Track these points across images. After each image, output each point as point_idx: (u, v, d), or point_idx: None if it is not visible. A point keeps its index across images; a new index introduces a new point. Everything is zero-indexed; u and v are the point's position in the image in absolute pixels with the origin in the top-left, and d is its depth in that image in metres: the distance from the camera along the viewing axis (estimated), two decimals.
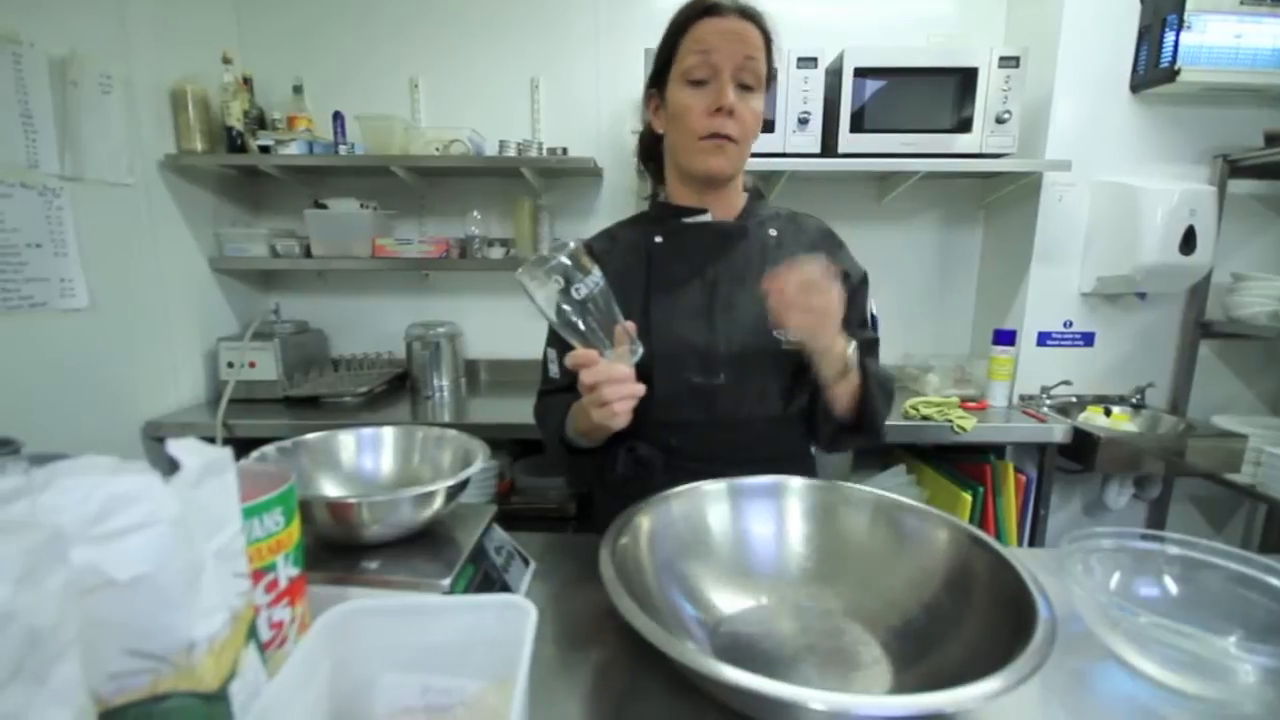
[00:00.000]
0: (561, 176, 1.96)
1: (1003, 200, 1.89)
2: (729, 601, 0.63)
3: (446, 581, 0.56)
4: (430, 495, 0.59)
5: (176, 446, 0.34)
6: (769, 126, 1.64)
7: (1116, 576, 0.65)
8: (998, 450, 1.76)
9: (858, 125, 1.64)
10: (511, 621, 0.44)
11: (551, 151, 1.78)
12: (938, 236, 2.02)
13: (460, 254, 1.90)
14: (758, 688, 0.39)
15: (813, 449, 0.95)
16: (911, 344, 2.04)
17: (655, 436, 0.84)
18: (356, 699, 0.43)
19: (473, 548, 0.63)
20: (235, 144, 1.73)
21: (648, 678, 0.54)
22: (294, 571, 0.46)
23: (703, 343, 0.82)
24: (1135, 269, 1.65)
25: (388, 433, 0.75)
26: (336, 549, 0.60)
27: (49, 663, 0.27)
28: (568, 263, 0.63)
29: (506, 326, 2.07)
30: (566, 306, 0.64)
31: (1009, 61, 1.60)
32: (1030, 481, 1.69)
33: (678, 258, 0.86)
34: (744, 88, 0.78)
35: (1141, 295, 1.81)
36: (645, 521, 0.63)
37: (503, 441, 1.68)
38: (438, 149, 1.74)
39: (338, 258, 1.84)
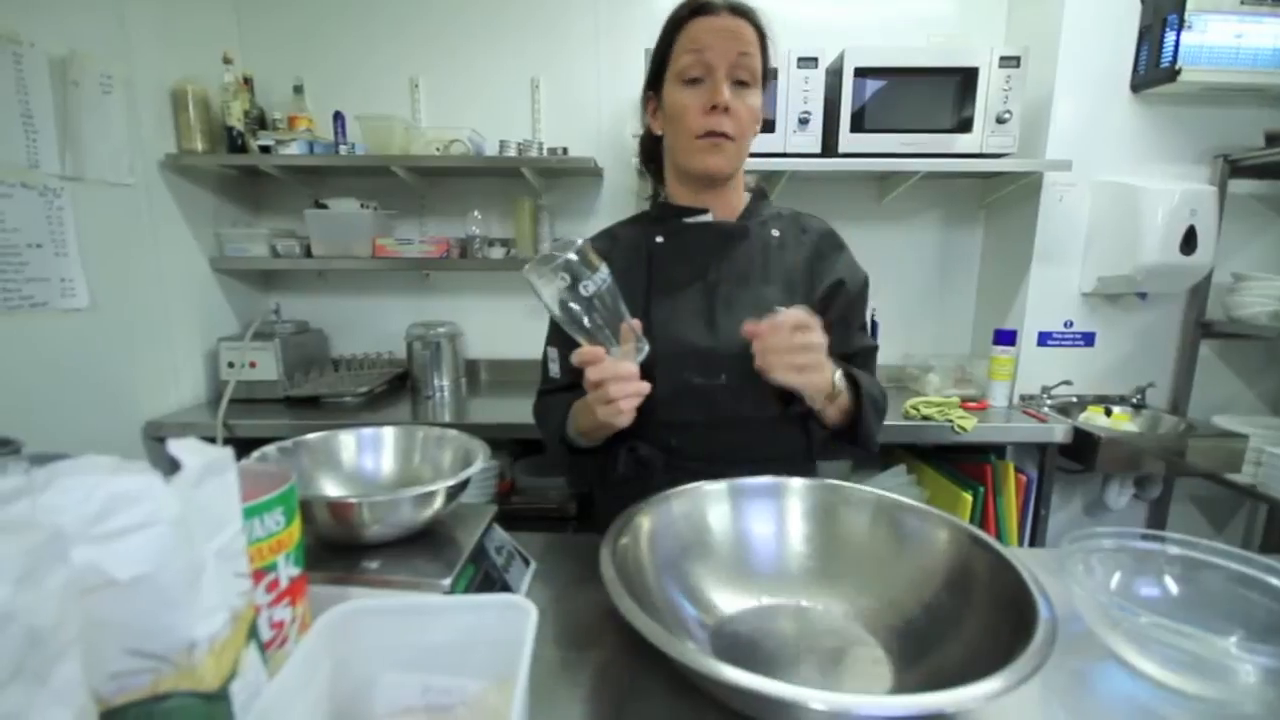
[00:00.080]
0: (562, 176, 1.96)
1: (1003, 200, 1.88)
2: (729, 601, 0.63)
3: (447, 581, 0.56)
4: (431, 495, 0.59)
5: (177, 446, 0.35)
6: (769, 126, 1.64)
7: (1117, 576, 0.65)
8: (998, 450, 1.76)
9: (858, 125, 1.64)
10: (512, 621, 0.44)
11: (552, 151, 1.78)
12: (938, 236, 2.02)
13: (460, 254, 1.90)
14: (758, 688, 0.38)
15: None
16: (912, 344, 2.04)
17: (656, 436, 0.84)
18: (357, 699, 0.43)
19: (473, 548, 0.63)
20: (236, 144, 1.73)
21: (648, 678, 0.54)
22: (295, 571, 0.46)
23: (703, 343, 0.82)
24: (1136, 269, 1.65)
25: (388, 433, 0.75)
26: (337, 549, 0.60)
27: (50, 662, 0.27)
28: (575, 259, 0.63)
29: (507, 326, 2.07)
30: (574, 304, 0.64)
31: (1009, 61, 1.60)
32: (1031, 481, 1.69)
33: (679, 258, 0.86)
34: (740, 84, 0.78)
35: (1142, 295, 1.81)
36: (646, 521, 0.63)
37: (503, 441, 1.69)
38: (438, 149, 1.74)
39: (338, 258, 1.84)
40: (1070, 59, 1.68)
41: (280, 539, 0.44)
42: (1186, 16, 1.55)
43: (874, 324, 1.90)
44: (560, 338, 0.91)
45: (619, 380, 0.66)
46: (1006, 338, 1.74)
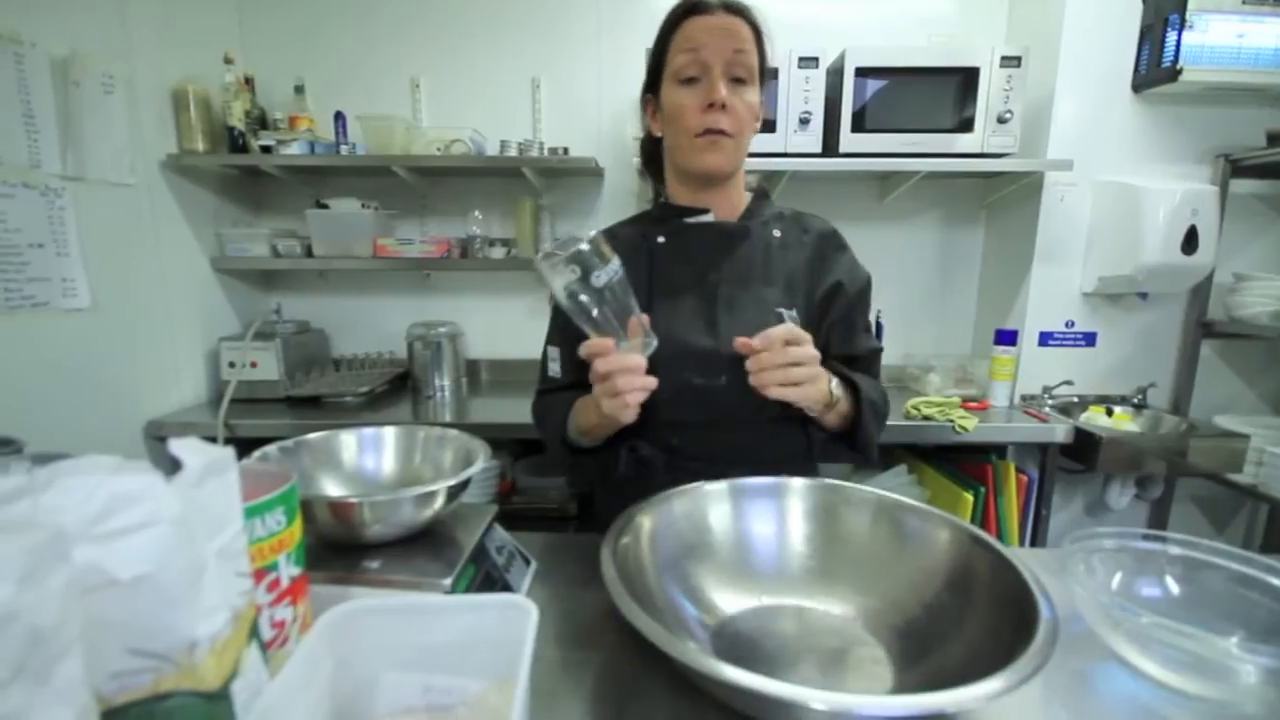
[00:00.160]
0: (563, 176, 1.96)
1: (1004, 200, 1.88)
2: (730, 601, 0.63)
3: (448, 581, 0.56)
4: (431, 495, 0.59)
5: (178, 446, 0.35)
6: (770, 126, 1.64)
7: (1118, 577, 0.65)
8: (999, 450, 1.76)
9: (859, 125, 1.64)
10: (513, 621, 0.44)
11: (553, 151, 1.78)
12: (939, 236, 2.02)
13: (461, 254, 1.90)
14: (759, 688, 0.38)
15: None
16: (913, 344, 2.04)
17: (657, 436, 0.83)
18: (358, 698, 0.43)
19: (474, 547, 0.63)
20: (237, 144, 1.73)
21: (649, 678, 0.54)
22: (296, 571, 0.46)
23: (704, 344, 0.82)
24: (1137, 269, 1.65)
25: (389, 432, 0.75)
26: (338, 548, 0.60)
27: (51, 662, 0.27)
28: (587, 250, 0.62)
29: (508, 326, 2.07)
30: (584, 295, 0.63)
31: (1010, 61, 1.60)
32: (1032, 481, 1.69)
33: (680, 258, 0.86)
34: (737, 81, 0.78)
35: (1143, 295, 1.81)
36: (647, 521, 0.63)
37: (504, 441, 1.69)
38: (439, 149, 1.74)
39: (339, 258, 1.84)
40: (1071, 59, 1.68)
41: (281, 539, 0.44)
42: (1188, 16, 1.55)
43: (879, 325, 1.90)
44: (560, 337, 0.91)
45: (627, 373, 0.65)
46: (1007, 338, 1.74)
